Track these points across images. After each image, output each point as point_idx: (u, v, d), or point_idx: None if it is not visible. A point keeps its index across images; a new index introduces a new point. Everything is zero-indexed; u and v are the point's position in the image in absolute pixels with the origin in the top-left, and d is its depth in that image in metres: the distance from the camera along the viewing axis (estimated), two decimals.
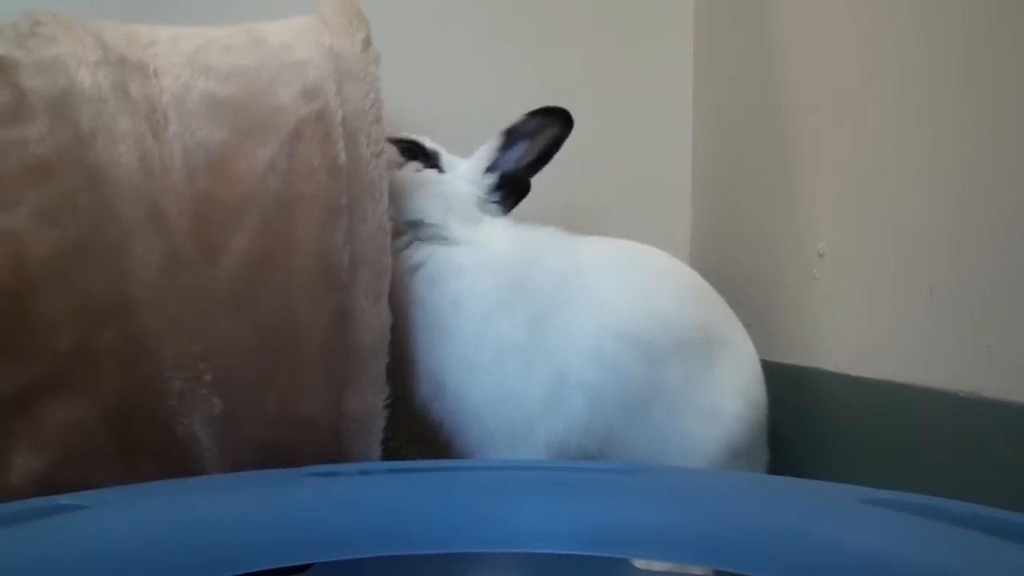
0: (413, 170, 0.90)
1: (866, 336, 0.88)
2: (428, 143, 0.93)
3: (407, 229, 0.86)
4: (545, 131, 0.91)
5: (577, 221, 1.16)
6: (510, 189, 0.92)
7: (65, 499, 0.61)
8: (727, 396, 0.87)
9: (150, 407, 0.72)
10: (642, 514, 0.64)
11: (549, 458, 0.83)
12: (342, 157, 0.74)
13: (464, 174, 0.91)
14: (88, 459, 0.72)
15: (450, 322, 0.83)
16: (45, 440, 0.71)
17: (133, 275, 0.70)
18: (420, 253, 0.86)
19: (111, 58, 0.76)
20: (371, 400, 0.75)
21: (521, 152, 0.91)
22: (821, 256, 0.94)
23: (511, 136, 0.91)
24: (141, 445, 0.73)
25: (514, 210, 0.95)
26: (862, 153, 0.88)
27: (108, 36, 0.78)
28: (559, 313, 0.85)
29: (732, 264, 1.12)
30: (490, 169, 0.91)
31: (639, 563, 0.71)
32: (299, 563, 0.64)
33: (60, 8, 0.80)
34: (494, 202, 0.91)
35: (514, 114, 1.05)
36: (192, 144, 0.73)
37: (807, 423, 0.94)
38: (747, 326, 0.97)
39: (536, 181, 1.16)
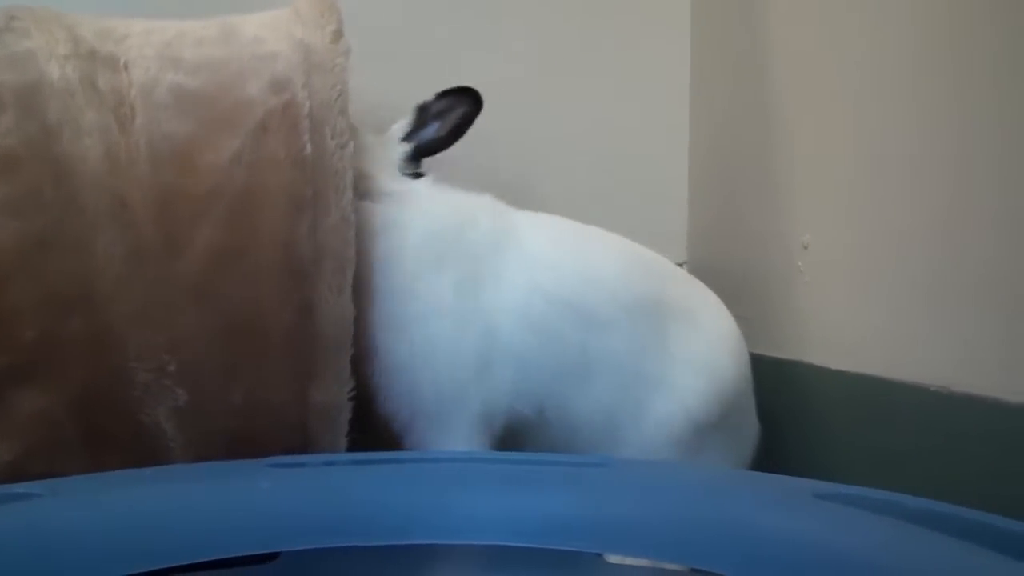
0: None
1: (845, 329, 0.87)
2: None
3: None
4: (456, 110, 0.92)
5: (575, 215, 1.15)
6: (420, 160, 0.93)
7: (19, 487, 0.62)
8: (685, 370, 0.85)
9: (115, 397, 0.72)
10: (598, 508, 0.64)
11: (480, 422, 0.83)
12: (308, 149, 0.74)
13: (382, 140, 0.91)
14: (56, 449, 0.73)
15: (378, 280, 0.81)
16: (13, 430, 0.72)
17: (97, 266, 0.71)
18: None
19: (82, 51, 0.76)
20: (335, 392, 0.75)
21: (434, 131, 0.92)
22: (805, 248, 0.92)
23: (423, 113, 0.92)
24: (108, 435, 0.73)
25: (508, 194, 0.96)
26: (846, 145, 0.87)
27: (82, 30, 0.79)
28: (491, 272, 0.84)
29: (727, 257, 1.11)
30: (406, 139, 0.91)
31: (612, 558, 0.70)
32: (255, 552, 0.64)
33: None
34: (408, 172, 0.91)
35: (511, 109, 1.07)
36: (158, 136, 0.74)
37: (794, 416, 0.93)
38: (741, 319, 0.96)
39: (533, 172, 1.16)
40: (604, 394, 0.84)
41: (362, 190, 0.84)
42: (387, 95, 1.13)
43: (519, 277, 0.84)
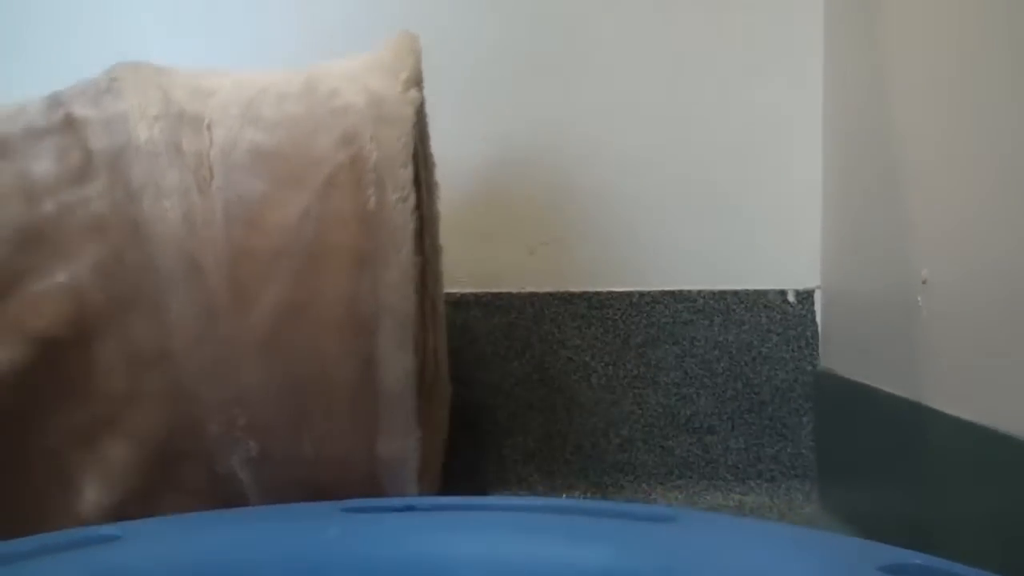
0: None
1: (961, 373, 0.79)
2: None
3: None
4: None
5: (703, 236, 1.12)
6: None
7: (101, 529, 0.66)
8: None
9: (192, 448, 0.76)
10: (653, 566, 0.62)
11: None
12: (371, 204, 0.75)
13: None
14: (149, 495, 0.77)
15: None
16: (109, 476, 0.77)
17: (171, 325, 0.74)
18: None
19: (171, 112, 0.80)
20: (401, 444, 0.76)
21: None
22: (924, 283, 0.85)
23: None
24: (190, 483, 0.77)
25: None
26: (971, 178, 0.79)
27: (175, 89, 0.82)
28: None
29: (857, 284, 1.04)
30: None
31: None
32: None
33: None
34: None
35: (633, 128, 1.09)
36: (233, 197, 0.76)
37: (907, 458, 0.86)
38: (864, 350, 0.89)
39: (655, 193, 1.14)
40: None
41: None
42: (506, 112, 1.14)
43: None
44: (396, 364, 0.74)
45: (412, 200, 0.75)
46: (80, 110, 0.81)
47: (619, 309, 1.13)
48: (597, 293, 1.13)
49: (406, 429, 0.75)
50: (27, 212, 0.77)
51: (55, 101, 0.83)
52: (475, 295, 1.13)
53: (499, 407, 1.13)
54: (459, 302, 1.12)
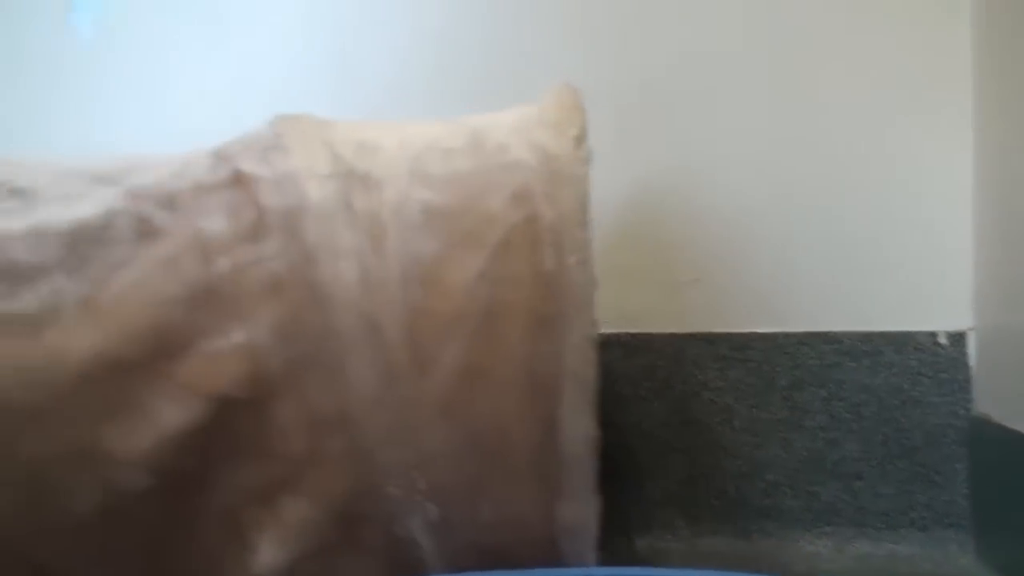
0: None
1: None
2: None
3: None
4: None
5: (837, 278, 1.10)
6: None
7: None
8: None
9: (371, 510, 0.76)
10: None
11: None
12: (548, 264, 0.74)
13: None
14: (324, 556, 0.77)
15: None
16: (286, 535, 0.77)
17: (350, 387, 0.74)
18: None
19: (340, 170, 0.80)
20: (581, 509, 0.75)
21: None
22: None
23: None
24: (367, 545, 0.77)
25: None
26: None
27: (340, 145, 0.82)
28: None
29: (1015, 326, 1.00)
30: None
31: None
32: None
33: None
34: None
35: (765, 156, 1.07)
36: (408, 256, 0.76)
37: None
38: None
39: (789, 227, 1.12)
40: None
41: None
42: (649, 151, 1.13)
43: None
44: (577, 428, 0.73)
45: (591, 261, 0.74)
46: (248, 166, 0.81)
47: (762, 351, 1.11)
48: (740, 334, 1.12)
49: (586, 494, 0.75)
50: (202, 270, 0.77)
51: (220, 156, 0.84)
52: (615, 335, 1.12)
53: (640, 449, 1.12)
54: (599, 342, 1.11)
